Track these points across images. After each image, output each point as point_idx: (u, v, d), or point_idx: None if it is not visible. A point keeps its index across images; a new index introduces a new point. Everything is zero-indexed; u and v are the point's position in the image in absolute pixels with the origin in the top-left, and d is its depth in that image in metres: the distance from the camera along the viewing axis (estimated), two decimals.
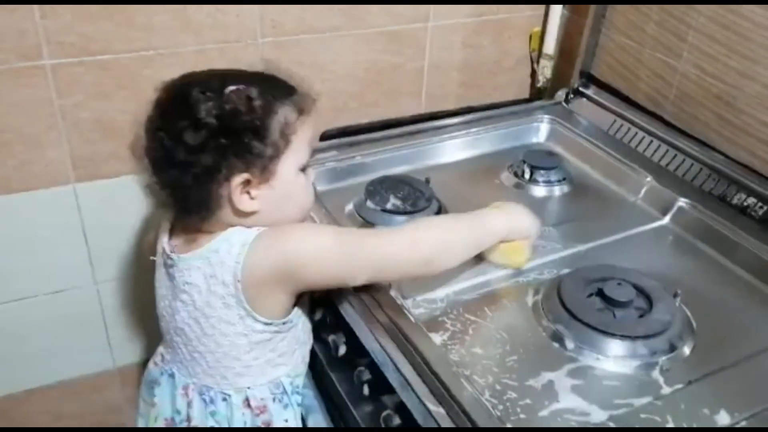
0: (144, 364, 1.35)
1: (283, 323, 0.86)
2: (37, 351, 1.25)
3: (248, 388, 0.88)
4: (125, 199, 1.17)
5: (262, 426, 0.90)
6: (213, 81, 0.80)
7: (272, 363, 0.88)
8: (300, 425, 0.93)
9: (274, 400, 0.90)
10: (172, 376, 0.92)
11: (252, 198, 0.81)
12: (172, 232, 0.88)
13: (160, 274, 0.90)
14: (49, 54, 1.02)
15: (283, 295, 0.84)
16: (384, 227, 0.98)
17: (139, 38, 1.06)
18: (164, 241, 0.88)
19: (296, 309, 0.88)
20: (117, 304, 1.28)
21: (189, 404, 0.90)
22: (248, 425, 0.89)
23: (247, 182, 0.80)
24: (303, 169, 0.86)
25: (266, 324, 0.84)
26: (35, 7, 0.98)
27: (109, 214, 1.18)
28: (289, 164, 0.82)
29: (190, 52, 1.11)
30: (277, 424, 0.90)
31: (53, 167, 1.11)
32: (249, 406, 0.89)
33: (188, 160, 0.78)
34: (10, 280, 1.17)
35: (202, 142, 0.77)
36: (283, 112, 0.81)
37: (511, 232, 0.91)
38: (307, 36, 1.18)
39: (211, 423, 0.89)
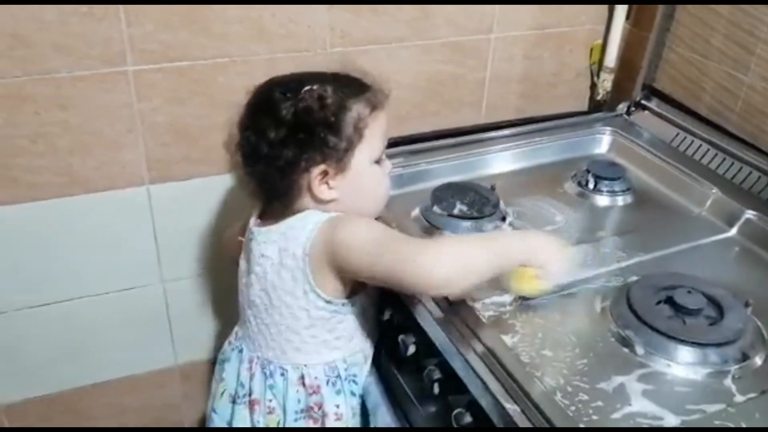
0: (204, 362, 1.40)
1: (343, 304, 0.91)
2: (105, 346, 1.29)
3: (305, 365, 0.93)
4: (194, 200, 1.22)
5: (314, 407, 0.94)
6: (292, 82, 0.89)
7: (328, 345, 0.93)
8: (350, 416, 0.96)
9: (327, 382, 0.94)
10: (241, 351, 0.99)
11: (330, 188, 0.88)
12: (260, 215, 0.96)
13: (245, 252, 0.97)
14: (132, 60, 1.07)
15: (335, 277, 0.89)
16: (450, 233, 1.01)
17: (215, 46, 1.11)
18: (252, 221, 0.95)
19: (359, 296, 0.92)
20: (182, 304, 1.32)
21: (251, 377, 0.96)
22: (301, 404, 0.95)
23: (324, 173, 0.87)
24: (378, 161, 0.92)
25: (327, 302, 0.90)
26: (122, 15, 1.03)
27: (179, 215, 1.23)
28: (362, 156, 0.89)
29: (262, 60, 1.15)
30: (329, 407, 0.94)
31: (129, 169, 1.15)
32: (303, 384, 0.94)
33: (271, 154, 0.86)
34: (83, 277, 1.22)
35: (283, 138, 0.86)
36: (357, 108, 0.88)
37: (529, 260, 0.85)
38: (373, 46, 1.21)
39: (269, 396, 0.95)
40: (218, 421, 1.01)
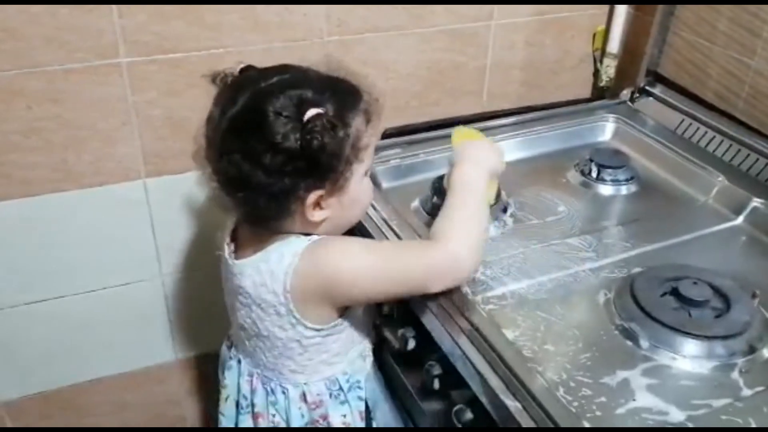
0: (204, 357, 1.38)
1: (334, 326, 0.87)
2: (103, 342, 1.28)
3: (305, 384, 0.90)
4: (192, 194, 1.20)
5: (320, 420, 0.92)
6: (283, 96, 0.77)
7: (327, 362, 0.90)
8: (359, 421, 0.94)
9: (330, 395, 0.91)
10: (239, 362, 0.95)
11: (322, 209, 0.82)
12: (233, 233, 0.90)
13: (225, 270, 0.92)
14: (125, 52, 1.05)
15: (328, 308, 0.85)
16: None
17: (210, 37, 1.09)
18: (226, 242, 0.90)
19: (350, 310, 0.88)
20: (181, 298, 1.31)
21: (253, 391, 0.93)
22: (305, 418, 0.92)
23: (320, 197, 0.81)
24: (367, 172, 0.86)
25: (316, 330, 0.86)
26: (114, 6, 1.01)
27: (177, 208, 1.21)
28: (358, 173, 0.83)
29: (258, 51, 1.12)
30: (334, 418, 0.91)
31: (125, 163, 1.14)
32: (305, 400, 0.91)
33: (266, 183, 0.77)
34: (81, 273, 1.20)
35: (281, 166, 0.76)
36: (355, 125, 0.80)
37: (488, 174, 0.92)
38: (371, 35, 1.19)
39: (272, 411, 0.92)
40: (226, 423, 0.99)
